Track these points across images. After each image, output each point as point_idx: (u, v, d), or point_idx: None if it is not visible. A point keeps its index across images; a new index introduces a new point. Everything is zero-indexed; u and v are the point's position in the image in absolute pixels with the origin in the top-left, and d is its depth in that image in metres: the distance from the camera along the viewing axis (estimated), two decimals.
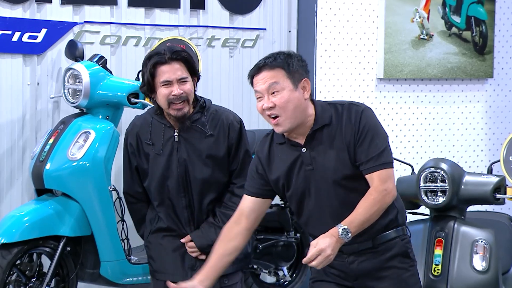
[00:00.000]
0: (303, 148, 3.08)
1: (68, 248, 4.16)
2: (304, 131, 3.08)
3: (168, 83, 3.53)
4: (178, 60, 3.55)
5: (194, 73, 3.63)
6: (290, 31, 5.46)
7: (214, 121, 3.64)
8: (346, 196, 3.06)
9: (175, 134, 3.62)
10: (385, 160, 3.02)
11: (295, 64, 3.06)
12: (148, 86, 3.56)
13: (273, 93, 3.03)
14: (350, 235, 2.95)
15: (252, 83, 3.09)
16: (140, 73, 3.65)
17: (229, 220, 3.20)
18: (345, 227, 2.94)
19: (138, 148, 3.69)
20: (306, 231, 3.28)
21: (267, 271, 4.84)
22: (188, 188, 3.65)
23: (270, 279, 4.99)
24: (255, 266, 4.77)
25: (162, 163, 3.65)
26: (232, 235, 3.17)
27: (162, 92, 3.54)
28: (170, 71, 3.53)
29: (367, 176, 3.03)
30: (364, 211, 2.98)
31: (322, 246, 2.89)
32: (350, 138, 3.04)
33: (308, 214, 3.13)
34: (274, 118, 3.04)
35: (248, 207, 3.19)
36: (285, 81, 3.03)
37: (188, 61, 3.59)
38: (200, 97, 3.72)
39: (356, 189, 3.05)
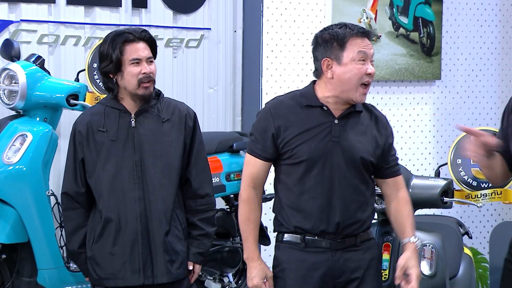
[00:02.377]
0: (336, 120, 3.22)
1: (4, 256, 4.10)
2: (344, 107, 3.23)
3: (138, 61, 3.53)
4: (146, 40, 3.57)
5: (155, 56, 3.65)
6: (235, 31, 5.45)
7: (170, 109, 3.62)
8: (356, 179, 3.22)
9: (132, 119, 3.57)
10: (399, 166, 3.43)
11: None
12: (116, 64, 3.52)
13: (372, 61, 3.21)
14: (416, 238, 3.33)
15: (346, 41, 3.18)
16: (100, 52, 3.55)
17: (244, 189, 3.30)
18: (413, 237, 3.32)
19: (88, 137, 3.55)
20: (293, 202, 3.26)
21: (212, 278, 4.82)
22: (143, 178, 3.55)
23: (215, 286, 4.97)
24: (200, 273, 4.74)
25: (116, 150, 3.54)
26: (257, 201, 3.32)
27: (132, 71, 3.52)
28: (140, 49, 3.53)
29: (391, 178, 3.35)
30: (411, 216, 3.38)
31: (417, 269, 3.30)
32: (381, 137, 3.29)
33: (312, 183, 3.20)
34: (366, 85, 3.22)
35: (262, 171, 3.29)
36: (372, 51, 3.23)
37: (153, 43, 3.61)
38: None
39: (363, 177, 3.25)
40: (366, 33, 3.21)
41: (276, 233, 3.37)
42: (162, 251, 3.55)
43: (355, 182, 3.22)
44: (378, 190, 4.13)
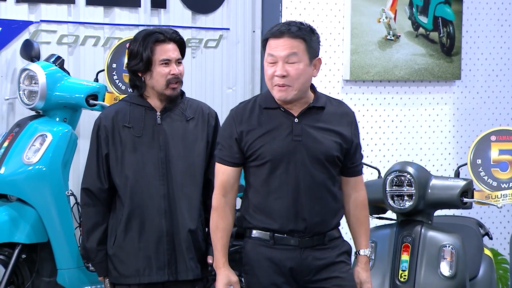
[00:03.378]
0: (296, 119, 3.21)
1: (24, 256, 4.13)
2: (301, 106, 3.22)
3: (167, 62, 3.57)
4: (176, 41, 3.62)
5: (183, 57, 3.69)
6: (254, 31, 5.46)
7: (193, 108, 3.66)
8: (322, 176, 3.22)
9: (158, 116, 3.60)
10: (362, 167, 3.40)
11: (314, 40, 3.19)
12: (147, 63, 3.55)
13: (289, 62, 3.13)
14: (366, 250, 3.36)
15: (265, 45, 3.19)
16: (129, 50, 3.59)
17: (215, 197, 3.29)
18: (366, 250, 3.35)
19: (114, 132, 3.56)
20: (260, 202, 3.25)
21: None
22: (168, 175, 3.58)
23: None
24: None
25: (142, 147, 3.57)
26: (228, 209, 3.28)
27: (161, 71, 3.56)
28: (170, 50, 3.58)
29: (352, 177, 3.32)
30: (366, 225, 3.37)
31: (369, 284, 3.34)
32: (346, 133, 3.26)
33: (277, 183, 3.20)
34: (282, 86, 3.15)
35: (232, 177, 3.27)
36: (304, 55, 3.14)
37: (183, 44, 3.66)
38: None
39: (330, 173, 3.24)
40: (280, 33, 3.12)
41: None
42: (185, 248, 3.57)
43: (321, 179, 3.21)
44: (391, 189, 4.16)
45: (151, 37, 3.57)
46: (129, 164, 3.56)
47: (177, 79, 3.60)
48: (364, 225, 3.33)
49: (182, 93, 3.71)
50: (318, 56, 3.20)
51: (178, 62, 3.61)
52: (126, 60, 4.49)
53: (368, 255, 3.33)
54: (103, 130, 3.58)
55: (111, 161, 3.58)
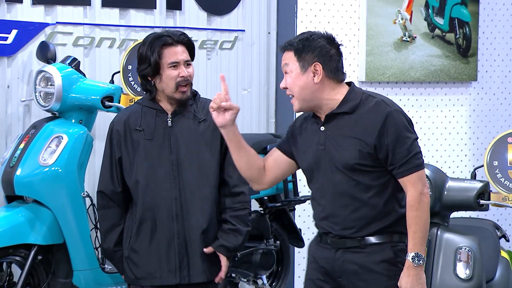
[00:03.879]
0: (322, 127, 3.24)
1: (40, 257, 4.14)
2: (325, 112, 3.24)
3: (176, 65, 3.57)
4: (184, 43, 3.62)
5: (193, 58, 3.69)
6: (269, 33, 5.46)
7: (206, 109, 3.64)
8: (347, 185, 3.18)
9: (168, 118, 3.60)
10: (415, 163, 3.18)
11: (308, 48, 3.20)
12: (155, 67, 3.56)
13: (286, 73, 3.24)
14: (422, 256, 3.14)
15: None
16: (138, 54, 3.61)
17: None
18: (413, 254, 3.13)
19: (126, 136, 3.60)
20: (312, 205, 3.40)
21: (245, 280, 4.83)
22: (179, 178, 3.59)
23: None
24: (233, 275, 4.76)
25: (153, 150, 3.59)
26: (257, 159, 3.35)
27: (170, 74, 3.57)
28: (178, 52, 3.59)
29: (400, 179, 3.18)
30: (415, 224, 3.14)
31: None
32: (369, 136, 3.16)
33: (317, 186, 3.29)
34: (291, 96, 3.26)
35: (273, 159, 3.37)
36: (294, 64, 3.21)
37: (192, 45, 3.67)
38: None
39: (356, 180, 3.18)
40: (281, 49, 3.28)
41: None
42: (198, 251, 3.58)
43: (343, 188, 3.19)
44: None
45: (159, 41, 3.58)
46: (141, 168, 3.59)
47: (187, 81, 3.59)
48: (411, 227, 3.15)
49: (195, 93, 3.71)
50: (315, 62, 3.19)
51: (187, 64, 3.61)
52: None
53: (411, 259, 3.11)
54: (116, 134, 3.62)
55: (124, 164, 3.62)
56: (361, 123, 3.17)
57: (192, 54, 3.66)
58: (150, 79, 3.60)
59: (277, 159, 3.37)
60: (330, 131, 3.22)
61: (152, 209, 3.58)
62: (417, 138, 3.25)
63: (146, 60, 3.58)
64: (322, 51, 3.21)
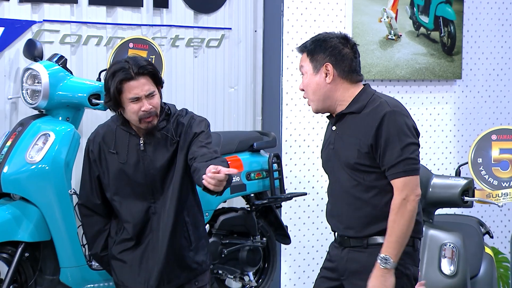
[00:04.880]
0: (334, 126, 3.28)
1: (27, 254, 4.13)
2: (337, 112, 3.28)
3: (137, 100, 3.55)
4: (145, 74, 3.56)
5: (160, 84, 3.66)
6: (256, 31, 5.47)
7: (180, 127, 3.67)
8: (349, 184, 3.20)
9: (141, 142, 3.61)
10: (405, 168, 3.12)
11: (320, 48, 3.21)
12: (115, 102, 3.57)
13: (302, 75, 3.29)
14: (391, 260, 3.08)
15: None
16: (103, 81, 3.65)
17: None
18: (382, 255, 3.10)
19: (100, 156, 3.68)
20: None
21: (232, 277, 4.84)
22: (154, 198, 3.67)
23: (235, 284, 4.99)
24: (220, 272, 4.77)
25: (126, 173, 3.65)
26: None
27: (132, 109, 3.56)
28: (138, 87, 3.54)
29: (391, 180, 3.16)
30: (393, 228, 3.10)
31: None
32: (366, 136, 3.15)
33: (329, 185, 3.34)
34: (307, 99, 3.31)
35: None
36: (308, 65, 3.26)
37: (155, 74, 3.60)
38: (164, 103, 3.74)
39: (357, 180, 3.19)
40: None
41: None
42: (171, 260, 3.67)
43: (347, 187, 3.22)
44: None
45: (117, 76, 3.54)
46: (115, 189, 3.68)
47: (150, 114, 3.57)
48: (388, 230, 3.11)
49: (169, 113, 3.68)
50: (326, 62, 3.21)
51: (151, 96, 3.57)
52: None
53: (379, 260, 3.10)
54: (92, 154, 3.73)
55: (102, 180, 3.73)
56: (363, 123, 3.18)
57: (157, 82, 3.59)
58: (115, 110, 3.63)
59: None
60: (339, 130, 3.25)
61: (129, 223, 3.69)
62: (416, 143, 3.17)
63: (108, 92, 3.58)
64: (334, 51, 3.21)
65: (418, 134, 3.21)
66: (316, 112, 3.31)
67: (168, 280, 3.68)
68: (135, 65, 3.54)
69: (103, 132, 3.70)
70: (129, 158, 3.61)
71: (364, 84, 3.30)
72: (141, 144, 3.60)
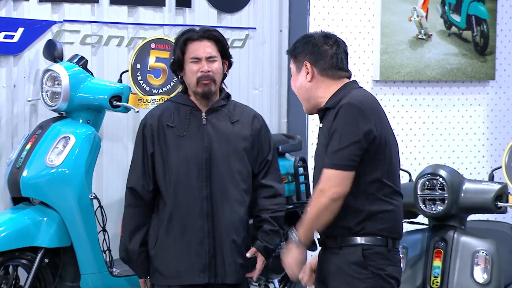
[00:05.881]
0: (320, 124, 3.30)
1: (46, 260, 4.16)
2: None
3: (196, 60, 3.64)
4: (210, 38, 3.68)
5: (226, 56, 3.73)
6: (281, 31, 5.47)
7: (238, 110, 3.73)
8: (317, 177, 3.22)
9: (203, 117, 3.65)
10: (333, 161, 3.13)
11: (300, 48, 3.29)
12: (178, 63, 3.66)
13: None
14: (295, 235, 3.20)
15: None
16: (172, 51, 3.74)
17: None
18: (294, 229, 3.21)
19: (159, 131, 3.63)
20: None
21: (257, 284, 4.85)
22: (211, 177, 3.62)
23: None
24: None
25: (185, 147, 3.62)
26: None
27: (190, 69, 3.64)
28: (200, 48, 3.66)
29: None
30: (307, 212, 3.19)
31: (285, 264, 3.26)
32: (329, 129, 3.19)
33: (313, 181, 3.32)
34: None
35: None
36: (293, 67, 3.33)
37: (220, 40, 3.71)
38: (223, 88, 3.81)
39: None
40: None
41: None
42: (228, 251, 3.62)
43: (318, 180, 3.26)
44: (423, 193, 4.15)
45: (183, 37, 3.68)
46: (173, 165, 3.62)
47: (208, 77, 3.64)
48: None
49: (229, 95, 3.77)
50: (304, 61, 3.26)
51: (211, 59, 3.66)
52: (150, 61, 4.59)
53: (291, 238, 3.21)
54: (149, 129, 3.65)
55: (156, 160, 3.64)
56: (332, 117, 3.21)
57: (222, 50, 3.70)
58: (178, 73, 3.70)
59: None
60: (322, 127, 3.28)
61: (183, 207, 3.61)
62: (357, 141, 3.13)
63: (173, 55, 3.70)
64: (312, 49, 3.26)
65: (368, 137, 3.15)
66: (308, 113, 3.36)
67: (230, 272, 3.63)
68: (201, 29, 3.70)
69: (161, 108, 3.73)
70: (188, 132, 3.63)
71: (352, 81, 3.32)
72: (203, 119, 3.64)
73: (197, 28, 3.73)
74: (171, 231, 3.61)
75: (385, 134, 3.21)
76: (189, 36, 3.67)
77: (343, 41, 3.32)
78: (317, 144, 3.32)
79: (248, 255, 3.66)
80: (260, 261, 3.71)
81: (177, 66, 3.67)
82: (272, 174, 3.73)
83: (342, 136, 3.14)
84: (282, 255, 3.30)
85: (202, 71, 3.63)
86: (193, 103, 3.68)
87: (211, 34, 3.69)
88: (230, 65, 3.78)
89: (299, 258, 3.24)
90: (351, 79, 3.32)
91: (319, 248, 3.33)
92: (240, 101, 5.27)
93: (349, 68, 3.32)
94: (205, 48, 3.66)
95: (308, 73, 3.26)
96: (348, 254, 3.20)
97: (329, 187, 3.13)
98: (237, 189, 3.65)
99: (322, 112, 3.27)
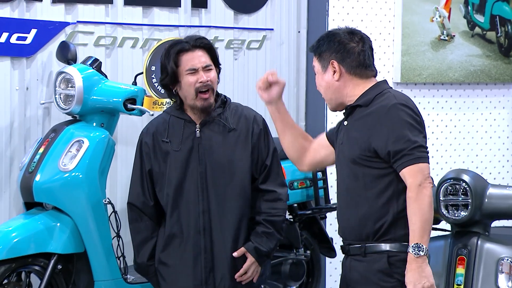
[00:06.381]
0: (345, 122, 3.32)
1: (59, 266, 4.16)
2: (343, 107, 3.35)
3: (193, 71, 3.61)
4: (202, 47, 3.65)
5: (216, 63, 3.71)
6: (299, 32, 5.46)
7: (236, 116, 3.70)
8: (350, 181, 3.24)
9: (197, 129, 3.63)
10: (418, 155, 3.15)
11: (325, 46, 3.29)
12: (172, 76, 3.62)
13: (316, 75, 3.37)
14: (423, 246, 3.10)
15: None
16: (160, 64, 3.68)
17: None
18: (414, 244, 3.11)
19: (154, 147, 3.66)
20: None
21: None
22: (207, 191, 3.63)
23: None
24: (262, 286, 4.76)
25: (180, 161, 3.63)
26: (302, 140, 3.55)
27: (188, 81, 3.61)
28: (195, 58, 3.63)
29: (400, 174, 3.17)
30: (415, 216, 3.12)
31: (413, 282, 3.11)
32: (372, 129, 3.19)
33: (337, 183, 3.37)
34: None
35: (317, 141, 3.55)
36: (317, 65, 3.34)
37: (212, 48, 3.70)
38: (220, 93, 3.78)
39: (359, 179, 3.22)
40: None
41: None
42: (225, 266, 3.62)
43: (349, 184, 3.26)
44: (446, 199, 4.12)
45: (174, 48, 3.63)
46: (169, 180, 3.65)
47: (207, 87, 3.62)
48: (411, 219, 3.14)
49: (225, 100, 3.73)
50: (331, 60, 3.27)
51: (207, 69, 3.64)
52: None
53: (411, 250, 3.09)
54: (145, 146, 3.70)
55: (154, 176, 3.69)
56: (369, 116, 3.22)
57: (214, 59, 3.68)
58: (171, 88, 3.65)
59: (320, 142, 3.51)
60: (348, 126, 3.29)
61: (180, 222, 3.64)
62: (423, 134, 3.20)
63: (164, 69, 3.64)
64: (338, 47, 3.27)
65: (423, 127, 3.25)
66: (333, 110, 3.38)
67: (228, 286, 3.64)
68: (191, 39, 3.66)
69: (156, 123, 3.73)
70: (183, 146, 3.63)
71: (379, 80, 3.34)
72: (197, 131, 3.63)
73: (184, 38, 3.69)
74: (171, 246, 3.65)
75: None
76: (181, 47, 3.62)
77: (368, 36, 3.33)
78: (341, 143, 3.30)
79: (235, 254, 3.63)
80: (249, 262, 3.66)
81: (171, 80, 3.62)
82: (272, 178, 3.71)
83: (411, 131, 3.15)
84: (409, 276, 3.12)
85: (201, 82, 3.60)
86: (188, 116, 3.67)
87: (203, 43, 3.65)
88: (219, 71, 3.76)
89: (429, 269, 3.15)
90: (382, 79, 3.34)
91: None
92: (257, 104, 5.28)
93: (375, 65, 3.33)
94: (200, 58, 3.62)
95: (335, 72, 3.26)
96: (373, 262, 3.19)
97: (425, 179, 3.15)
98: (235, 202, 3.64)
99: (350, 110, 3.27)
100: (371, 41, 3.33)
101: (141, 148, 3.71)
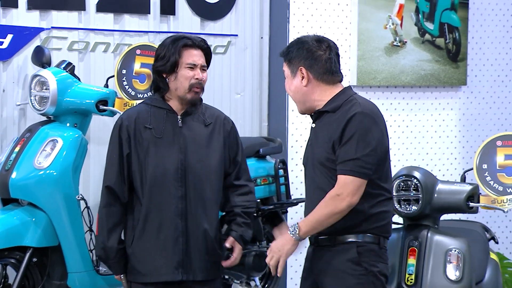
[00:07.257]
0: (313, 124, 3.34)
1: (35, 259, 4.14)
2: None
3: (193, 66, 3.64)
4: (204, 49, 3.71)
5: (207, 68, 3.77)
6: (262, 38, 5.47)
7: (210, 113, 3.74)
8: (320, 181, 3.25)
9: (179, 119, 3.64)
10: (352, 168, 3.16)
11: (294, 53, 3.30)
12: (172, 65, 3.62)
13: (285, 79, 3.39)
14: (297, 232, 3.18)
15: None
16: (157, 54, 3.68)
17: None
18: (296, 224, 3.19)
19: (135, 132, 3.61)
20: None
21: (238, 282, 4.84)
22: (186, 177, 3.62)
23: None
24: (226, 277, 4.77)
25: (161, 148, 3.62)
26: None
27: (186, 74, 3.63)
28: (197, 55, 3.67)
29: (337, 177, 3.20)
30: (315, 211, 3.19)
31: (273, 248, 3.24)
32: (334, 133, 3.21)
33: (305, 182, 3.38)
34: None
35: None
36: (287, 70, 3.36)
37: (209, 54, 3.74)
38: None
39: (328, 180, 3.23)
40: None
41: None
42: (201, 249, 3.63)
43: (318, 183, 3.27)
44: (398, 194, 4.16)
45: (180, 42, 3.66)
46: (149, 165, 3.61)
47: (200, 85, 3.67)
48: (313, 210, 3.22)
49: (200, 99, 3.76)
50: (299, 66, 3.29)
51: (203, 69, 3.69)
52: (135, 66, 4.56)
53: (290, 227, 3.22)
54: (125, 131, 3.62)
55: (132, 161, 3.62)
56: (335, 121, 3.23)
57: (208, 62, 3.74)
58: (165, 76, 3.64)
59: None
60: (316, 128, 3.31)
61: (158, 206, 3.61)
62: (373, 151, 3.18)
63: (165, 57, 3.65)
64: (307, 54, 3.28)
65: (380, 145, 3.21)
66: (301, 113, 3.40)
67: (203, 268, 3.64)
68: (195, 38, 3.70)
69: (138, 110, 3.68)
70: (165, 134, 3.62)
71: (346, 87, 3.36)
72: (179, 121, 3.64)
73: (187, 35, 3.73)
74: (147, 230, 3.61)
75: (387, 140, 3.28)
76: (187, 42, 3.66)
77: (335, 44, 3.35)
78: (308, 143, 3.33)
79: (227, 244, 3.69)
80: (237, 250, 3.72)
81: (168, 69, 3.64)
82: (243, 174, 3.78)
83: (359, 144, 3.15)
84: (276, 242, 3.28)
85: (197, 78, 3.64)
86: (169, 106, 3.66)
87: (205, 45, 3.72)
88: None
89: (290, 251, 3.23)
90: (347, 86, 3.36)
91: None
92: (223, 105, 5.30)
93: (341, 70, 3.35)
94: (200, 57, 3.68)
95: (303, 77, 3.28)
96: (342, 251, 3.22)
97: (347, 194, 3.14)
98: (211, 189, 3.66)
99: (318, 114, 3.30)
100: (337, 48, 3.35)
101: (119, 133, 3.62)
